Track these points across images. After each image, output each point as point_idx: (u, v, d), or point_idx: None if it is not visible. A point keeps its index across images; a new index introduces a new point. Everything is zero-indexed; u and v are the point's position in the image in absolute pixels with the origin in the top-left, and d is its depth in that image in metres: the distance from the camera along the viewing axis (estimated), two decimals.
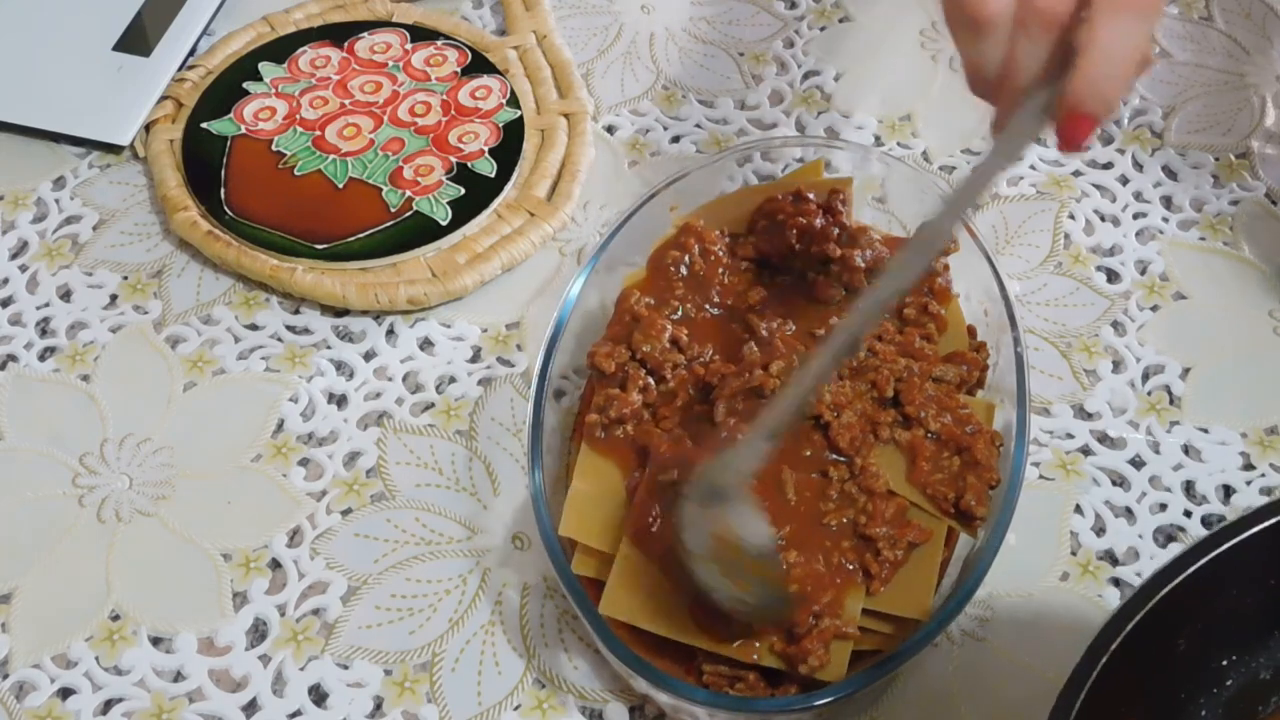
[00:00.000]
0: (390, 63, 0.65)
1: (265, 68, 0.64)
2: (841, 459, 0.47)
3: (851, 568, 0.45)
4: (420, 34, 0.66)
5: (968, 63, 0.44)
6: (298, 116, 0.62)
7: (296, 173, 0.60)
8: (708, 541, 0.43)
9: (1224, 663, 0.42)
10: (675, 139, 0.65)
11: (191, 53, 0.65)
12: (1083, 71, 0.40)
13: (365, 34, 0.66)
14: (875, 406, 0.48)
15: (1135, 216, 0.62)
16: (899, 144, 0.64)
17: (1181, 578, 0.37)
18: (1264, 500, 0.53)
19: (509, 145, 0.62)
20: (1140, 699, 0.39)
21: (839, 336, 0.43)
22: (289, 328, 0.57)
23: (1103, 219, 0.62)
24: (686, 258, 0.53)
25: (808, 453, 0.48)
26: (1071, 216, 0.62)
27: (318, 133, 0.62)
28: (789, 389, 0.44)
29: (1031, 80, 0.42)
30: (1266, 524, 0.39)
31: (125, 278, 0.58)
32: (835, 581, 0.44)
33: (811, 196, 0.54)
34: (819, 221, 0.53)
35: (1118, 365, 0.57)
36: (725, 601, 0.43)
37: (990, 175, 0.43)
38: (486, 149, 0.61)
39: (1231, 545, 0.38)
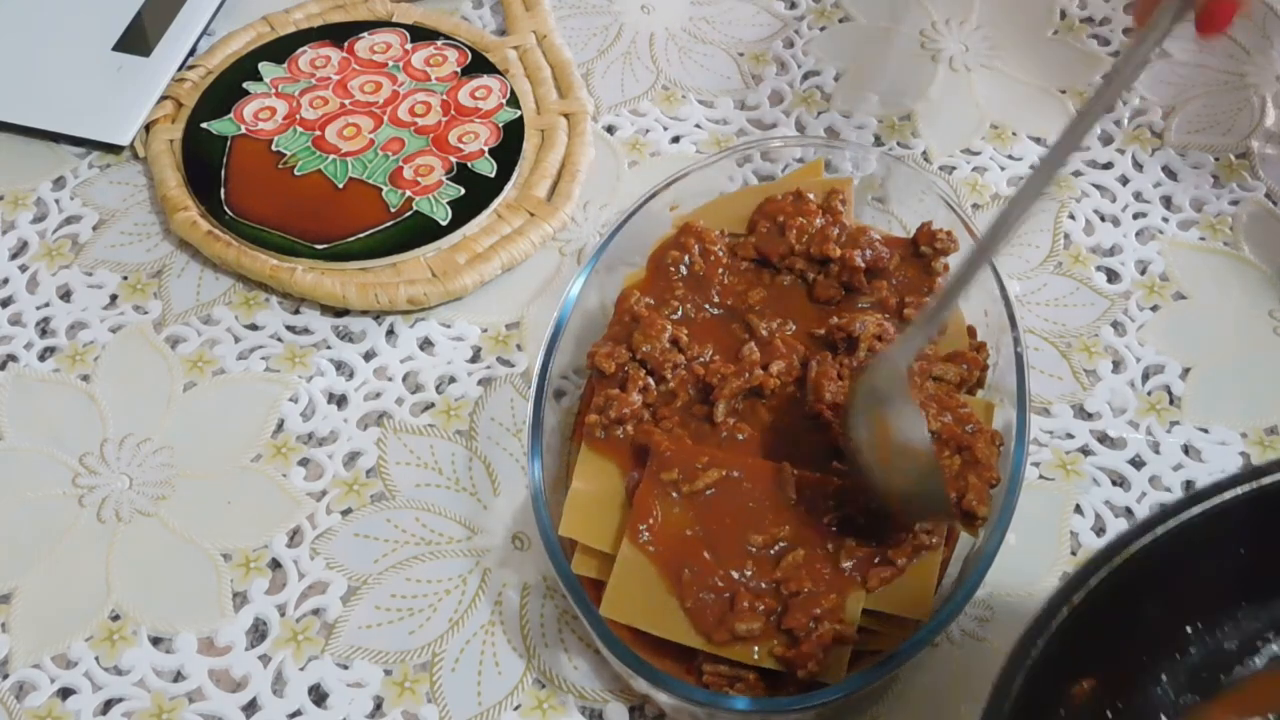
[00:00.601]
0: (390, 63, 0.65)
1: (265, 68, 0.64)
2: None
3: (852, 566, 0.45)
4: (420, 34, 0.66)
5: None
6: (298, 116, 0.62)
7: (296, 173, 0.60)
8: (869, 439, 0.45)
9: (1189, 630, 0.41)
10: (675, 139, 0.65)
11: (191, 53, 0.65)
12: None
13: (365, 34, 0.66)
14: None
15: (1135, 216, 0.62)
16: (899, 144, 0.64)
17: (1147, 540, 0.37)
18: None
19: (509, 145, 0.62)
20: (1100, 660, 0.39)
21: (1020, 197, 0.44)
22: (289, 328, 0.57)
23: (1103, 219, 0.62)
24: (686, 258, 0.53)
25: (807, 452, 0.48)
26: (1071, 216, 0.62)
27: (318, 133, 0.62)
28: (958, 271, 0.45)
29: None
30: (1237, 492, 0.38)
31: (125, 278, 0.58)
32: (837, 583, 0.44)
33: (811, 196, 0.54)
34: (819, 221, 0.53)
35: (1118, 365, 0.57)
36: (885, 495, 0.45)
37: (1138, 64, 0.45)
38: (486, 149, 0.61)
39: (1200, 511, 0.38)
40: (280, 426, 0.54)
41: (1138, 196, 0.63)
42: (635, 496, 0.46)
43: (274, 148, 0.61)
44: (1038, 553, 0.51)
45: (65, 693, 0.47)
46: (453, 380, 0.56)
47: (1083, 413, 0.55)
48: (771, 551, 0.45)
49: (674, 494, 0.46)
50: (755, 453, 0.48)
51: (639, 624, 0.44)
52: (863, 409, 0.45)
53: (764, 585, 0.44)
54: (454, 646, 0.48)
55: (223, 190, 0.59)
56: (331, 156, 0.61)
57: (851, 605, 0.44)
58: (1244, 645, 0.42)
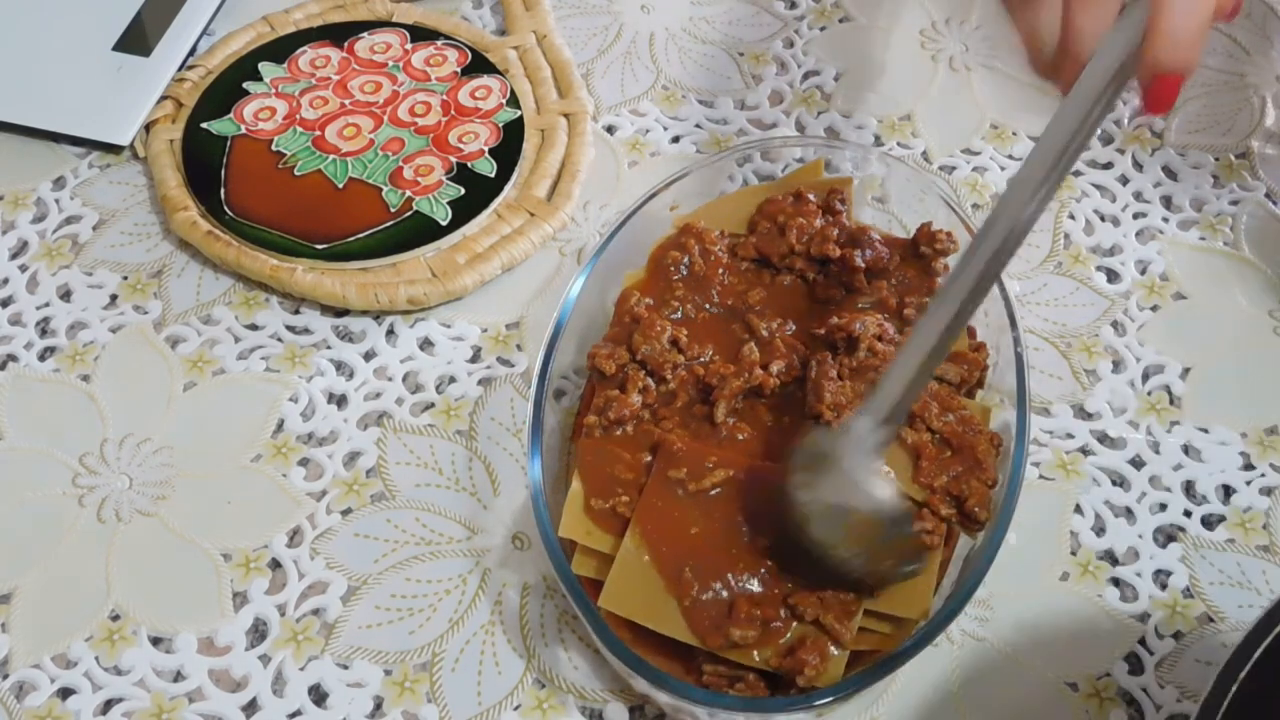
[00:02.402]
0: (390, 63, 0.65)
1: (265, 68, 0.64)
2: None
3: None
4: (420, 34, 0.66)
5: (1025, 38, 0.42)
6: (298, 116, 0.62)
7: (296, 173, 0.60)
8: (824, 512, 0.43)
9: None
10: (675, 139, 0.65)
11: (191, 53, 0.65)
12: (1158, 31, 0.39)
13: (365, 34, 0.66)
14: None
15: (1135, 216, 0.62)
16: (899, 144, 0.64)
17: None
18: (1264, 500, 0.53)
19: (509, 145, 0.62)
20: None
21: (944, 305, 0.42)
22: (289, 328, 0.57)
23: (1103, 219, 0.62)
24: (686, 258, 0.53)
25: None
26: (1071, 216, 0.62)
27: (318, 133, 0.62)
28: (900, 359, 0.43)
29: (1092, 51, 0.41)
30: None
31: (125, 278, 0.58)
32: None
33: (811, 196, 0.54)
34: (819, 221, 0.53)
35: (1118, 365, 0.57)
36: (853, 567, 0.43)
37: (1066, 146, 0.40)
38: (486, 149, 0.61)
39: None
40: (280, 426, 0.54)
41: (1138, 196, 0.63)
42: (642, 491, 0.46)
43: (274, 148, 0.61)
44: (1038, 553, 0.51)
45: (65, 693, 0.47)
46: (453, 380, 0.56)
47: (1083, 413, 0.55)
48: (771, 553, 0.45)
49: (680, 491, 0.46)
50: (756, 453, 0.48)
51: (638, 617, 0.44)
52: (813, 481, 0.44)
53: (763, 590, 0.44)
54: (454, 646, 0.48)
55: (223, 190, 0.59)
56: (331, 156, 0.61)
57: (851, 606, 0.44)
58: None
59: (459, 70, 0.65)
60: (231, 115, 0.62)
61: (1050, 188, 0.41)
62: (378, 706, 0.47)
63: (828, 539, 0.43)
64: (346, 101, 0.63)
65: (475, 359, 0.56)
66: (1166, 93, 0.41)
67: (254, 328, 0.57)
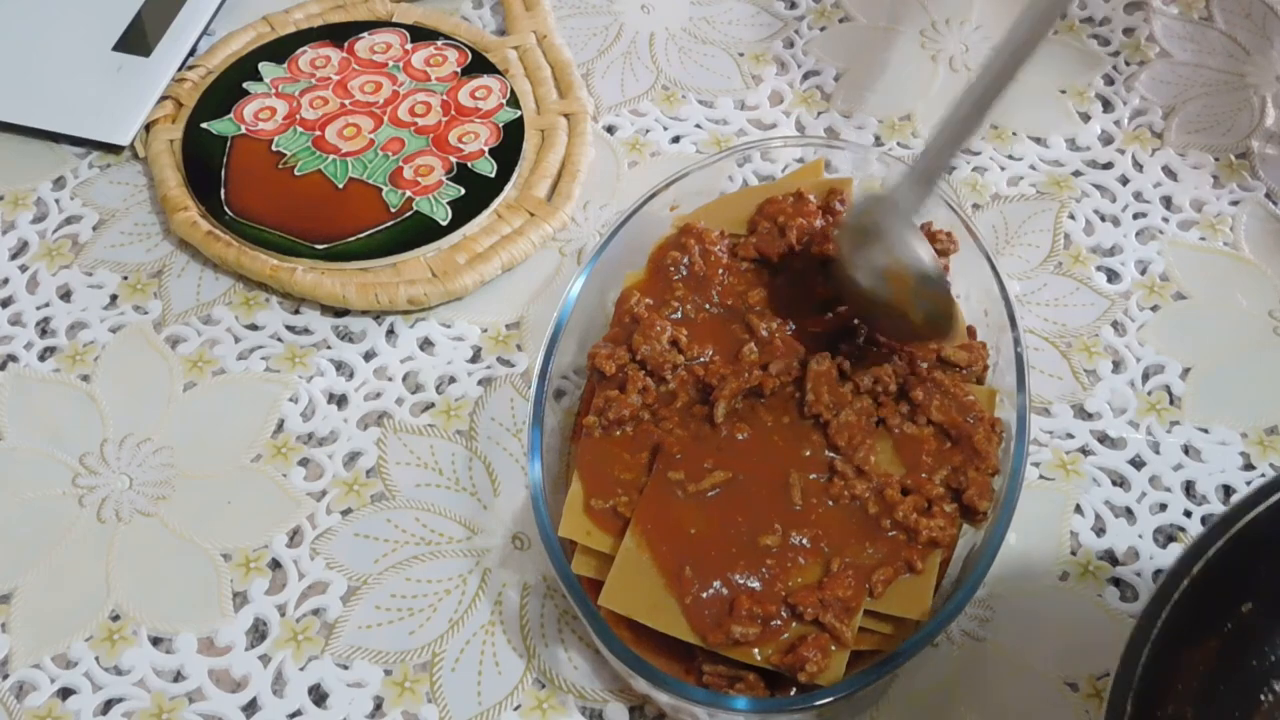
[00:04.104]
0: (390, 63, 0.65)
1: (265, 68, 0.64)
2: (840, 457, 0.47)
3: (854, 568, 0.45)
4: (420, 34, 0.66)
5: None
6: (298, 116, 0.62)
7: (296, 173, 0.60)
8: (871, 275, 0.49)
9: None
10: (675, 139, 0.65)
11: (191, 53, 0.65)
12: None
13: (365, 34, 0.66)
14: (875, 405, 0.48)
15: (1135, 216, 0.62)
16: (899, 144, 0.64)
17: None
18: None
19: (509, 145, 0.62)
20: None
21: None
22: (289, 328, 0.57)
23: (1103, 219, 0.62)
24: (686, 258, 0.53)
25: (807, 452, 0.48)
26: (1071, 216, 0.62)
27: (318, 133, 0.62)
28: (953, 114, 0.47)
29: None
30: None
31: (125, 278, 0.58)
32: (838, 585, 0.44)
33: (811, 197, 0.54)
34: (819, 222, 0.53)
35: (1118, 365, 0.57)
36: (901, 328, 0.49)
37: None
38: (486, 149, 0.61)
39: None
40: (280, 426, 0.54)
41: (1138, 196, 0.63)
42: (643, 492, 0.46)
43: (274, 148, 0.61)
44: (1038, 553, 0.51)
45: (65, 693, 0.47)
46: (453, 380, 0.56)
47: (1083, 413, 0.55)
48: (772, 554, 0.45)
49: (679, 493, 0.46)
50: (755, 453, 0.48)
51: (638, 616, 0.44)
52: (862, 246, 0.48)
53: (763, 589, 0.44)
54: (454, 646, 0.48)
55: (223, 190, 0.59)
56: (331, 156, 0.61)
57: (852, 604, 0.44)
58: None
59: (459, 70, 0.65)
60: (231, 115, 0.62)
61: None
62: (378, 706, 0.47)
63: (875, 287, 0.48)
64: (346, 101, 0.63)
65: (475, 359, 0.56)
66: None
67: (254, 328, 0.57)
